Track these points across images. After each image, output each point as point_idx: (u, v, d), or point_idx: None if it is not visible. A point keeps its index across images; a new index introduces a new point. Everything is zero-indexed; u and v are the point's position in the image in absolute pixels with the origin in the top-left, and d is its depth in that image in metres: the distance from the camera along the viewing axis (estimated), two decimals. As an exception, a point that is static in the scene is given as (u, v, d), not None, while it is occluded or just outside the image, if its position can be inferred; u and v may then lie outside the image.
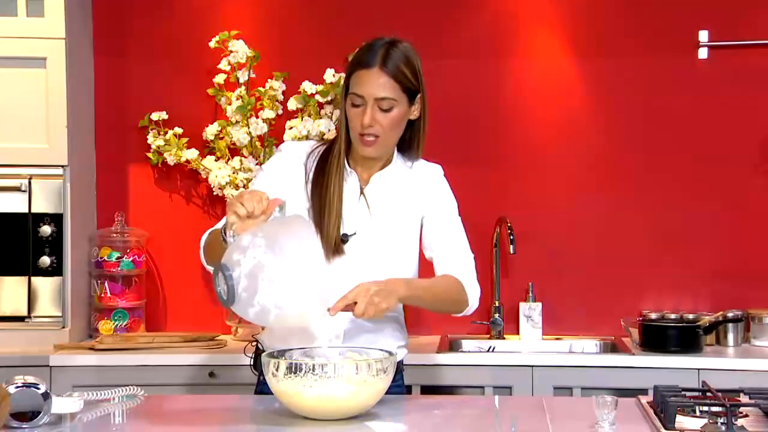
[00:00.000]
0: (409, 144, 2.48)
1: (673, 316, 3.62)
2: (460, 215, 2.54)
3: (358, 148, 2.39)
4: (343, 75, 3.63)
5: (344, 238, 2.39)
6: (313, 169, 2.43)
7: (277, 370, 2.06)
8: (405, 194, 2.47)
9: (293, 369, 2.05)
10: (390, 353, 2.15)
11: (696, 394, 2.20)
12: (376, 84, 2.32)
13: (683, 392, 2.18)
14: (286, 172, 2.44)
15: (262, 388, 2.48)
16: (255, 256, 1.98)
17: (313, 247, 2.07)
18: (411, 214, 2.47)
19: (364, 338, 2.37)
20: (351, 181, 2.43)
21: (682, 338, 3.35)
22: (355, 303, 2.18)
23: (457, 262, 2.47)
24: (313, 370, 2.04)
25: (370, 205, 2.43)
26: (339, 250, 2.38)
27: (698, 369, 3.21)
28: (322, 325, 2.15)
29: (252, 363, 2.55)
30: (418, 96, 2.41)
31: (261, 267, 1.98)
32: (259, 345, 2.53)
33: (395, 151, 2.48)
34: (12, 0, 3.46)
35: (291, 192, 2.41)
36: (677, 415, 2.00)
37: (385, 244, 2.42)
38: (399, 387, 2.47)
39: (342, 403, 2.06)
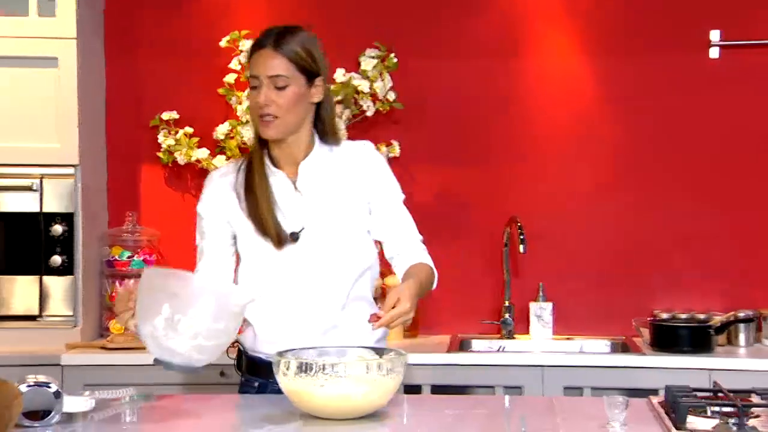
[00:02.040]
0: (322, 130, 2.47)
1: (684, 316, 3.60)
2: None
3: (260, 131, 2.40)
4: (353, 74, 3.66)
5: (294, 236, 2.39)
6: (242, 184, 2.44)
7: (287, 369, 2.07)
8: (339, 175, 2.46)
9: (304, 368, 2.05)
10: (400, 353, 2.15)
11: (707, 394, 2.19)
12: (269, 62, 2.35)
13: (694, 392, 2.17)
14: (216, 218, 2.46)
15: (245, 389, 2.50)
16: (158, 334, 2.06)
17: (181, 283, 2.10)
18: (353, 195, 2.46)
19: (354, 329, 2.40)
20: (279, 178, 2.43)
21: (694, 338, 3.34)
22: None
23: (417, 247, 2.51)
24: (324, 370, 2.04)
25: (307, 196, 2.42)
26: (285, 243, 2.40)
27: (709, 369, 3.20)
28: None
29: (235, 364, 2.56)
30: (318, 78, 2.41)
31: (172, 332, 2.06)
32: (240, 346, 2.53)
33: (316, 139, 2.46)
34: (24, 0, 3.47)
35: (235, 221, 2.44)
36: (688, 416, 2.00)
37: (335, 228, 2.42)
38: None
39: (353, 403, 2.06)
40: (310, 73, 2.38)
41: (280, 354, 2.14)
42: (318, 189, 2.43)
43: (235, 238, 2.47)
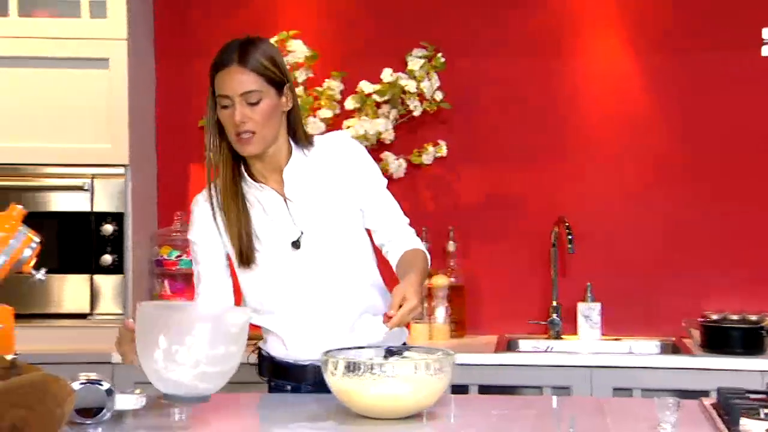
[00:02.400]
0: (295, 135, 2.44)
1: (735, 316, 3.55)
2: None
3: (238, 149, 2.36)
4: (400, 74, 3.66)
5: (296, 244, 2.40)
6: (219, 204, 2.43)
7: (336, 369, 2.08)
8: (323, 174, 2.44)
9: (351, 368, 2.06)
10: (448, 353, 2.15)
11: (760, 396, 2.17)
12: (238, 80, 2.30)
13: (747, 394, 2.15)
14: (208, 242, 2.47)
15: (277, 392, 2.52)
16: (159, 367, 2.03)
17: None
18: (341, 190, 2.45)
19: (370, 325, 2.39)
20: (267, 192, 2.42)
21: (746, 339, 3.30)
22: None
23: (406, 231, 2.51)
24: (372, 369, 2.05)
25: (298, 202, 2.41)
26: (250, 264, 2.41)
27: (762, 371, 3.16)
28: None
29: (258, 370, 2.57)
30: (286, 87, 2.38)
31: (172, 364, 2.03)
32: (263, 352, 2.55)
33: (292, 144, 2.44)
34: (76, 2, 3.51)
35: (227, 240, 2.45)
36: (741, 418, 1.97)
37: (332, 227, 2.42)
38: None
39: (400, 402, 2.07)
40: (278, 83, 2.35)
41: (327, 353, 2.15)
42: (306, 193, 2.43)
43: (228, 257, 2.49)
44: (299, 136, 2.45)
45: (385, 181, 2.53)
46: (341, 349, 2.21)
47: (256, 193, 2.42)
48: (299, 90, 3.67)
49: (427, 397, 2.10)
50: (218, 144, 2.40)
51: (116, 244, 3.55)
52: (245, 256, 2.40)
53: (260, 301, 2.45)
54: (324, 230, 2.42)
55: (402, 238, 2.50)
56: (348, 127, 3.64)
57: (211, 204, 2.43)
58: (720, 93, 3.73)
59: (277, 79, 2.35)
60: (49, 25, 3.52)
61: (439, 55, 3.69)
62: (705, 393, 2.58)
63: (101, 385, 2.08)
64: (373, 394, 2.05)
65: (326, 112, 3.66)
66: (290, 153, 2.43)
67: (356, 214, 2.48)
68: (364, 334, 2.36)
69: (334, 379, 2.09)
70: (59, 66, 3.52)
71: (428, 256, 2.50)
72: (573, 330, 3.71)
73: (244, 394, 2.45)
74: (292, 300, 2.43)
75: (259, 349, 2.56)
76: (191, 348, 1.99)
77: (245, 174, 2.42)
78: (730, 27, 3.71)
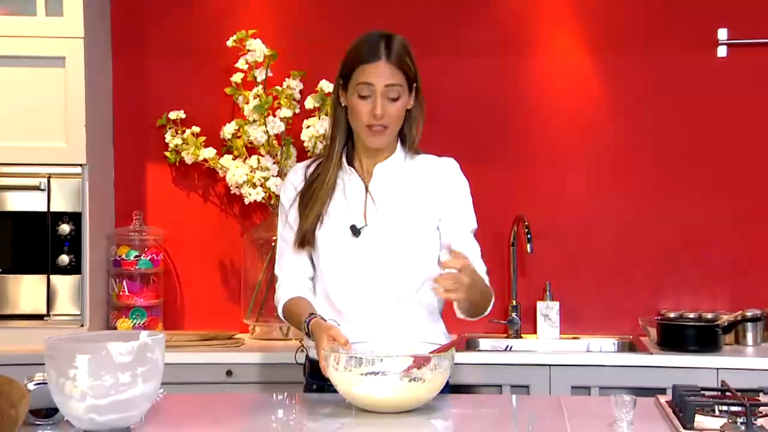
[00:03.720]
0: (406, 136, 2.47)
1: (691, 315, 3.60)
2: (475, 213, 2.53)
3: (365, 140, 2.40)
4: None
5: (355, 230, 2.42)
6: (303, 183, 2.50)
7: (337, 363, 2.12)
8: (413, 185, 2.47)
9: (352, 362, 2.10)
10: (447, 348, 2.20)
11: (715, 393, 2.19)
12: (385, 73, 2.34)
13: (702, 392, 2.17)
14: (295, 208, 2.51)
15: (306, 391, 2.54)
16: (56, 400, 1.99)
17: None
18: (424, 207, 2.46)
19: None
20: (353, 178, 2.46)
21: (701, 337, 3.33)
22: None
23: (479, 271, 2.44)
24: (372, 363, 2.10)
25: (376, 197, 2.44)
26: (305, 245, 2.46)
27: (717, 368, 3.19)
28: None
29: (304, 371, 2.58)
30: (414, 85, 2.42)
31: None
32: (308, 353, 2.54)
33: (398, 143, 2.48)
34: (31, 0, 3.47)
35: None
36: (696, 415, 1.99)
37: (398, 232, 2.42)
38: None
39: (397, 397, 2.11)
40: (412, 82, 2.39)
41: (334, 349, 2.18)
42: (389, 193, 2.45)
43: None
44: (409, 138, 2.47)
45: (475, 226, 2.52)
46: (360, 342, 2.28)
47: (344, 176, 2.46)
48: (258, 90, 3.66)
49: (428, 391, 2.13)
50: (342, 128, 2.45)
51: (73, 244, 3.52)
52: (306, 238, 2.43)
53: (321, 282, 2.48)
54: (390, 230, 2.42)
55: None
56: (308, 127, 3.63)
57: (305, 176, 2.49)
58: (676, 93, 3.76)
59: (413, 76, 2.39)
60: (4, 23, 3.48)
61: (399, 54, 3.69)
62: (662, 390, 2.61)
63: (57, 386, 2.06)
64: (370, 387, 2.09)
65: (286, 112, 3.65)
66: (392, 151, 2.46)
67: (427, 236, 2.46)
68: (414, 332, 2.38)
69: (336, 374, 2.13)
70: (15, 64, 3.48)
71: (492, 297, 2.45)
72: (532, 329, 3.73)
73: (204, 395, 2.43)
74: (338, 285, 2.44)
75: (305, 349, 2.56)
76: (75, 380, 1.92)
77: (343, 157, 2.46)
78: (686, 28, 3.75)
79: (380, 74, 2.34)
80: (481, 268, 2.45)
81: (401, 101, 2.37)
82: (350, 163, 2.47)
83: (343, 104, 2.43)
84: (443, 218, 2.47)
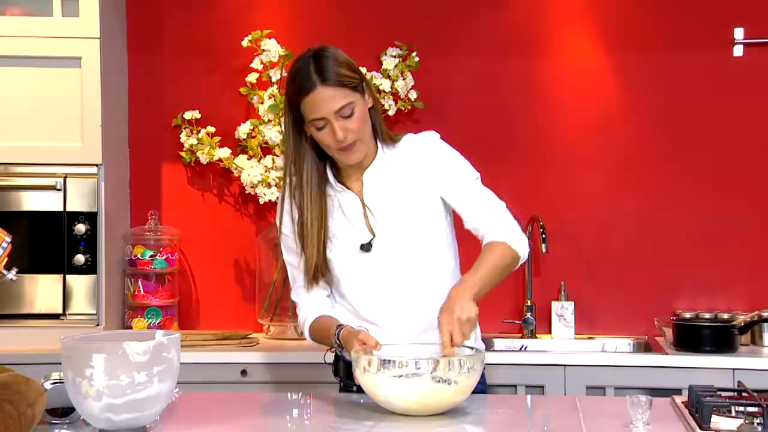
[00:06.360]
0: (378, 133, 2.45)
1: (707, 315, 3.58)
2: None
3: (344, 161, 2.39)
4: (374, 73, 3.65)
5: (365, 247, 2.42)
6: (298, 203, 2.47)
7: (369, 365, 2.12)
8: (404, 176, 2.45)
9: (383, 364, 2.10)
10: (478, 350, 2.20)
11: (731, 394, 2.19)
12: (328, 99, 2.30)
13: (718, 392, 2.16)
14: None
15: (346, 391, 2.53)
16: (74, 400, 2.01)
17: None
18: (422, 192, 2.45)
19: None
20: (348, 196, 2.44)
21: (717, 338, 3.32)
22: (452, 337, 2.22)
23: (494, 222, 2.42)
24: (403, 366, 2.09)
25: (375, 208, 2.43)
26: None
27: (733, 369, 3.18)
28: None
29: (334, 370, 2.58)
30: (363, 85, 2.38)
31: None
32: (338, 351, 2.53)
33: (378, 143, 2.46)
34: (48, 0, 3.49)
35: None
36: (713, 416, 1.99)
37: (406, 231, 2.42)
38: (482, 384, 2.42)
39: (433, 399, 2.11)
40: (358, 86, 2.36)
41: (364, 351, 2.19)
42: (385, 196, 2.43)
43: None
44: (382, 134, 2.46)
45: (477, 174, 2.48)
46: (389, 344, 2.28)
47: (338, 196, 2.44)
48: (273, 90, 3.67)
49: (457, 393, 2.13)
50: (301, 156, 2.41)
51: (89, 243, 3.53)
52: (317, 270, 2.43)
53: (343, 300, 2.48)
54: (398, 234, 2.42)
55: (488, 230, 2.41)
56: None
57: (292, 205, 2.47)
58: (692, 93, 3.75)
59: (357, 82, 2.35)
60: (21, 24, 3.50)
61: (414, 54, 3.70)
62: (677, 391, 2.60)
63: (73, 385, 2.06)
64: (403, 390, 2.09)
65: (300, 112, 3.65)
66: (374, 152, 2.45)
67: (436, 213, 2.46)
68: (434, 337, 2.35)
69: (365, 375, 2.13)
70: (31, 65, 3.50)
71: (516, 251, 2.39)
72: (547, 329, 3.72)
73: (220, 394, 2.44)
74: (363, 301, 2.45)
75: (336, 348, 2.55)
76: (91, 379, 1.94)
77: (330, 176, 2.44)
78: (702, 27, 3.74)
79: (324, 103, 2.30)
80: (498, 207, 2.44)
81: (358, 112, 2.34)
82: (340, 180, 2.46)
83: (309, 134, 2.39)
84: (444, 188, 2.45)
